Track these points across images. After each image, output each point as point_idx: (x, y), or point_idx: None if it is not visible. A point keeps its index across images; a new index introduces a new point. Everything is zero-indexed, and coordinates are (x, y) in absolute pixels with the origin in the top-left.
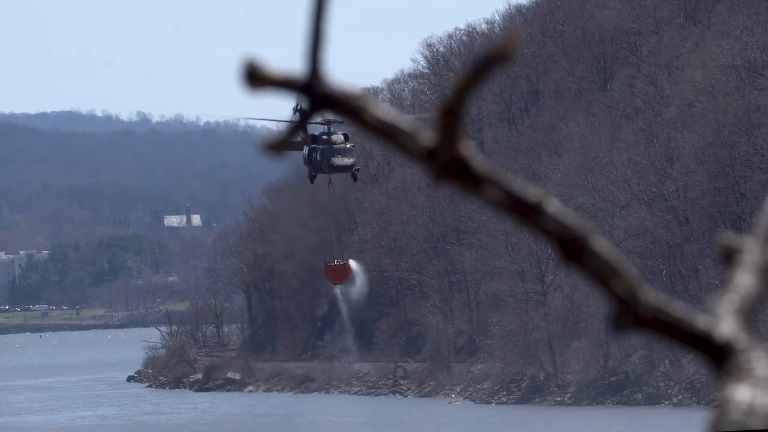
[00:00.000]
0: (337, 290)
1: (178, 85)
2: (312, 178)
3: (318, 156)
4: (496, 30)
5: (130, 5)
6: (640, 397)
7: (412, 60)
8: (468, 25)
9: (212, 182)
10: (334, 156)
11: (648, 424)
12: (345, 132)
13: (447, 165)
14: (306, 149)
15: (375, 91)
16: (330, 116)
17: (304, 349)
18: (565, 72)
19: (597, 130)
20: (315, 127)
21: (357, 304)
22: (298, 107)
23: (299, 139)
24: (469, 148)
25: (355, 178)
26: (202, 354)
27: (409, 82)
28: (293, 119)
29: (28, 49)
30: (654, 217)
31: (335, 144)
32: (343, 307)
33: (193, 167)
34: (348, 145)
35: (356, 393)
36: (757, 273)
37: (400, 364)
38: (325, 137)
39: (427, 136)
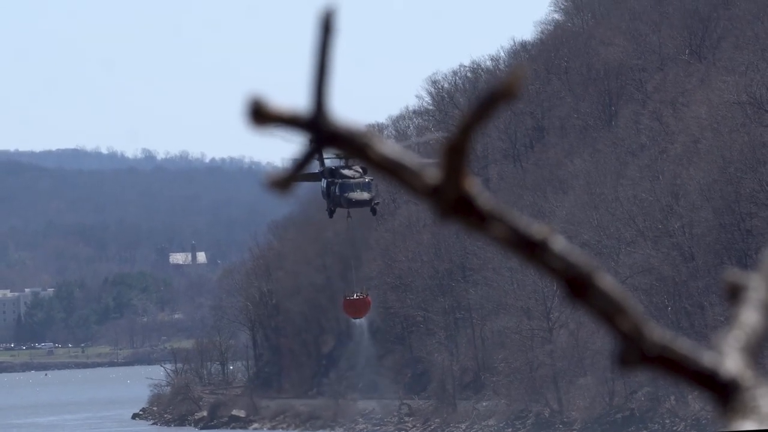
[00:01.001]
0: (360, 323)
1: (183, 122)
2: (331, 213)
3: (336, 190)
4: (501, 67)
5: (134, 42)
6: None
7: (416, 96)
8: (473, 62)
9: (218, 219)
10: (352, 190)
11: None
12: (364, 165)
13: (452, 202)
14: (324, 182)
15: (380, 128)
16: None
17: (310, 386)
18: (570, 108)
19: (602, 166)
20: (333, 160)
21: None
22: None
23: (317, 170)
24: (474, 185)
25: (374, 212)
26: (207, 391)
27: (414, 119)
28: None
29: (33, 87)
30: (659, 253)
31: (353, 178)
32: (363, 341)
33: (198, 204)
34: (367, 179)
35: (362, 430)
36: (763, 310)
37: (405, 401)
38: (343, 171)
39: (433, 173)
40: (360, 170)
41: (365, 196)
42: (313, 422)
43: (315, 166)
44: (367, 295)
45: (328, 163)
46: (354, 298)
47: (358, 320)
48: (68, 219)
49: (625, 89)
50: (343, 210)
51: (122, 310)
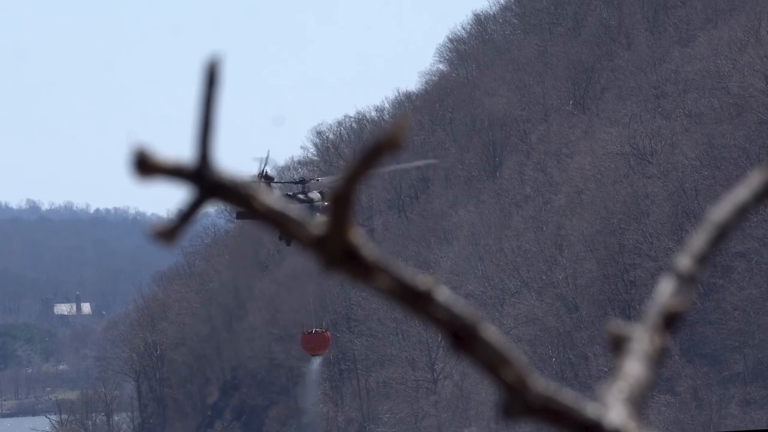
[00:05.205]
0: (316, 361)
1: (67, 173)
2: (288, 241)
3: None
4: (386, 117)
5: (17, 92)
6: None
7: (302, 147)
8: (357, 113)
9: (102, 270)
10: (309, 215)
11: None
12: (321, 190)
13: (337, 253)
14: None
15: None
16: (304, 175)
17: None
18: (455, 159)
19: (487, 217)
20: (290, 186)
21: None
22: (263, 173)
23: None
24: (358, 236)
25: None
26: None
27: (299, 170)
28: (260, 183)
29: None
30: (544, 304)
31: (312, 202)
32: (313, 381)
33: (82, 255)
34: (325, 204)
35: None
36: (646, 361)
37: None
38: (300, 196)
39: (317, 224)
40: (318, 195)
41: None
42: None
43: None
44: (326, 330)
45: (284, 189)
46: (312, 334)
47: (315, 357)
48: None
49: (510, 140)
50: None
51: (6, 361)
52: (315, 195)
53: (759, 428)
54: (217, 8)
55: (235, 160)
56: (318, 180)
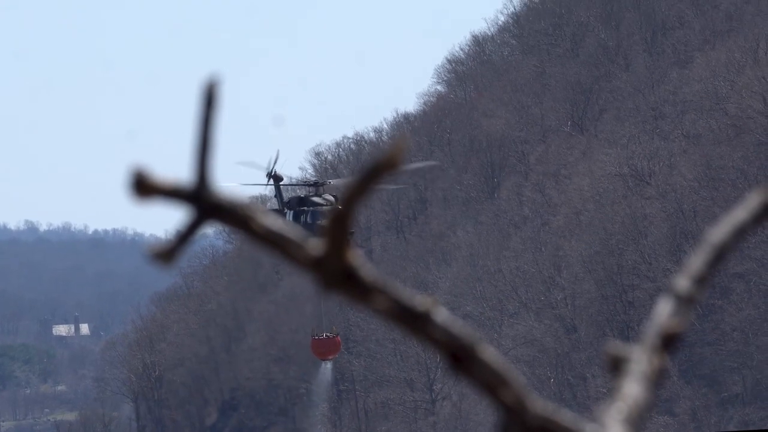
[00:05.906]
0: (327, 366)
1: (65, 193)
2: None
3: (308, 218)
4: (384, 138)
5: (18, 115)
6: None
7: (300, 168)
8: (356, 134)
9: (101, 291)
10: (325, 217)
11: None
12: (335, 194)
13: (335, 274)
14: (290, 214)
15: (263, 200)
16: (317, 179)
17: None
18: (453, 180)
19: (485, 238)
20: (302, 189)
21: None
22: (272, 173)
23: (277, 207)
24: (357, 257)
25: None
26: None
27: (298, 191)
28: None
29: None
30: (542, 325)
31: (325, 205)
32: (323, 384)
33: (81, 276)
34: (339, 207)
35: None
36: (645, 382)
37: None
38: (314, 199)
39: (315, 245)
40: (332, 198)
41: None
42: None
43: (274, 204)
44: (336, 335)
45: (294, 192)
46: (322, 338)
47: (325, 362)
48: None
49: (508, 161)
50: None
51: (5, 382)
52: (329, 198)
53: (760, 429)
54: (216, 10)
55: (234, 165)
56: (331, 182)
